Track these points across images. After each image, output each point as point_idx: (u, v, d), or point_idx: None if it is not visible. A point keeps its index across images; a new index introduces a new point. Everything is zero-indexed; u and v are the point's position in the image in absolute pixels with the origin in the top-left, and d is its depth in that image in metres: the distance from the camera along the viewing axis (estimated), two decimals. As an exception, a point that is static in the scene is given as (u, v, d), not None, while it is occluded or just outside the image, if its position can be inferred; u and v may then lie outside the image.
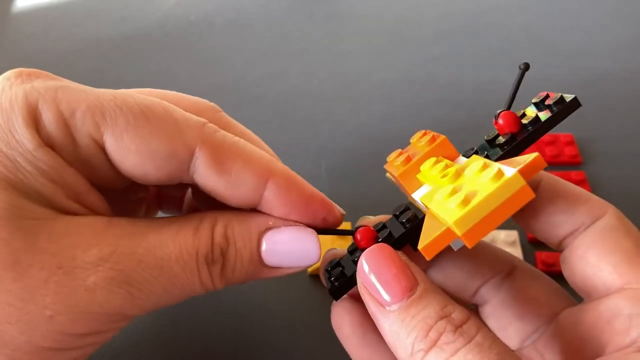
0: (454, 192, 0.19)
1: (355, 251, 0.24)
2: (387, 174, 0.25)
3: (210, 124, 0.23)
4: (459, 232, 0.18)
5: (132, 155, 0.22)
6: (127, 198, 0.28)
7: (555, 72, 0.47)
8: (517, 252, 0.35)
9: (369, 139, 0.43)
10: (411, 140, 0.26)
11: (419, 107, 0.45)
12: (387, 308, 0.20)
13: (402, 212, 0.24)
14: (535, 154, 0.19)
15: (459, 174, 0.20)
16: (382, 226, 0.24)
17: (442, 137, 0.23)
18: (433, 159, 0.23)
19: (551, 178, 0.23)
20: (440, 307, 0.20)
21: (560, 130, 0.42)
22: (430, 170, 0.22)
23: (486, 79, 0.47)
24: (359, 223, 0.25)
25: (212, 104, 0.27)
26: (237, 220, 0.23)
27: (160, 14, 0.53)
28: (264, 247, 0.23)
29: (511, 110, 0.24)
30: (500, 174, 0.18)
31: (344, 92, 0.47)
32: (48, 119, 0.21)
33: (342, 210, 0.25)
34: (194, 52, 0.52)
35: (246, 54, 0.49)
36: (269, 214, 0.24)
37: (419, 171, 0.23)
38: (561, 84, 0.46)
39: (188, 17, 0.53)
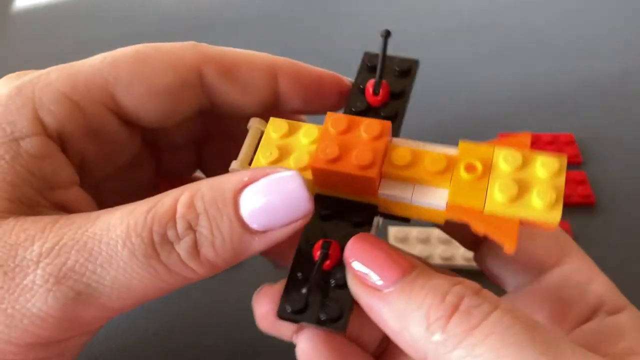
0: (521, 189, 0.20)
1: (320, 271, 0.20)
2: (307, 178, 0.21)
3: (202, 45, 0.24)
4: (555, 221, 0.20)
5: (147, 100, 0.22)
6: (126, 181, 0.27)
7: (555, 72, 0.47)
8: (517, 252, 0.35)
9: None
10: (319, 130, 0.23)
11: (418, 107, 0.45)
12: (385, 290, 0.18)
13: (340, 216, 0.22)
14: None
15: (485, 170, 0.21)
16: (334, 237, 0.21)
17: (388, 123, 0.22)
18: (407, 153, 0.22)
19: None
20: (448, 277, 0.18)
21: (560, 130, 0.42)
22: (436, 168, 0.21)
23: (486, 79, 0.47)
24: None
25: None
26: (207, 186, 0.19)
27: (160, 14, 0.53)
28: (244, 207, 0.19)
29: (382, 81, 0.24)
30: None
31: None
32: (49, 101, 0.21)
33: (349, 81, 0.25)
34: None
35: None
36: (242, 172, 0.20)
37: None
38: (561, 84, 0.46)
39: (188, 17, 0.53)
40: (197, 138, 0.28)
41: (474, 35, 0.51)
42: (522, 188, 0.20)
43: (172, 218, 0.18)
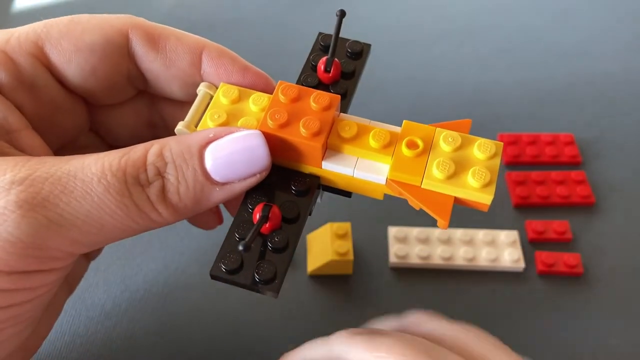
0: (458, 168, 0.21)
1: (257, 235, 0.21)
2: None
3: (137, 17, 0.25)
4: (487, 201, 0.21)
5: (74, 55, 0.23)
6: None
7: (555, 72, 0.47)
8: (517, 252, 0.35)
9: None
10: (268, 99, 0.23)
11: (419, 107, 0.45)
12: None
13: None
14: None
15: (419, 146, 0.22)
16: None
17: (337, 96, 0.23)
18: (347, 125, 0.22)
19: None
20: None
21: (560, 130, 0.42)
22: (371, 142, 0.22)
23: (486, 79, 0.47)
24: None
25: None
26: (175, 140, 0.21)
27: (160, 14, 0.53)
28: (208, 161, 0.21)
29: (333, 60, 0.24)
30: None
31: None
32: None
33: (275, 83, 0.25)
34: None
35: (246, 54, 0.49)
36: (208, 129, 0.22)
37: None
38: (561, 84, 0.46)
39: (188, 17, 0.53)
40: (145, 121, 0.28)
41: (473, 36, 0.51)
42: (459, 167, 0.21)
43: (144, 164, 0.20)
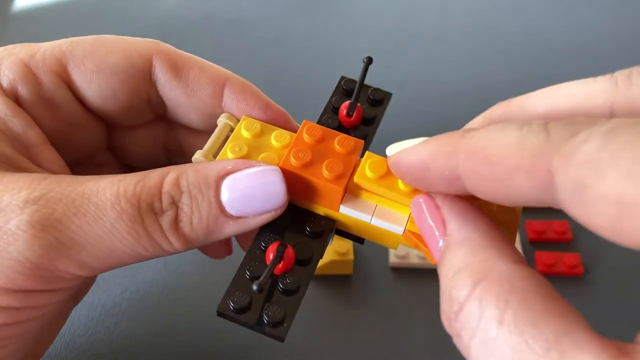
0: None
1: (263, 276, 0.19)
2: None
3: (162, 42, 0.25)
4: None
5: (96, 76, 0.23)
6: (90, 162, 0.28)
7: (555, 72, 0.47)
8: (517, 252, 0.35)
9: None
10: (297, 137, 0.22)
11: (419, 107, 0.45)
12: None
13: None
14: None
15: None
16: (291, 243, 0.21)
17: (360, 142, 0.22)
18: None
19: None
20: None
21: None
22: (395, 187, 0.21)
23: (486, 79, 0.47)
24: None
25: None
26: (193, 169, 0.21)
27: (160, 14, 0.53)
28: (224, 193, 0.20)
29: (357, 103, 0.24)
30: None
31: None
32: (7, 67, 0.22)
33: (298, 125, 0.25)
34: (193, 52, 0.52)
35: (246, 54, 0.49)
36: (226, 160, 0.22)
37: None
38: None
39: (188, 17, 0.53)
40: (161, 145, 0.28)
41: (474, 36, 0.51)
42: None
43: (159, 192, 0.20)
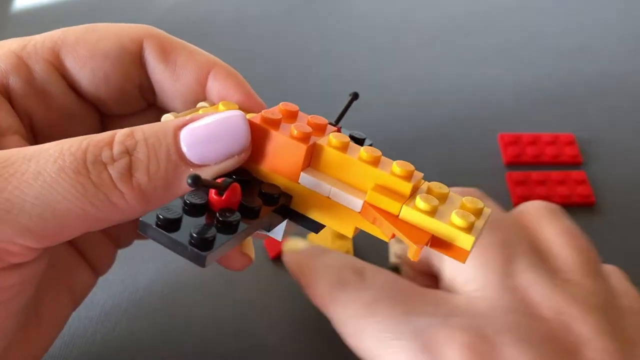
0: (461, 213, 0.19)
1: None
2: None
3: (154, 27, 0.25)
4: (467, 246, 0.19)
5: (89, 61, 0.23)
6: None
7: (555, 72, 0.47)
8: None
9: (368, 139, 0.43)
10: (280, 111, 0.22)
11: (419, 107, 0.45)
12: None
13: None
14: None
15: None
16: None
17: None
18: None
19: None
20: None
21: (560, 130, 0.42)
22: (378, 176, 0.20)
23: (486, 79, 0.47)
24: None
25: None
26: (148, 125, 0.19)
27: (159, 13, 0.53)
28: (183, 141, 0.19)
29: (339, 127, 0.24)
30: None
31: (344, 92, 0.46)
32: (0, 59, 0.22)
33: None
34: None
35: (246, 54, 0.49)
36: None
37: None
38: (561, 84, 0.46)
39: (188, 17, 0.53)
40: None
41: (474, 35, 0.51)
42: (445, 207, 0.20)
43: (109, 143, 0.18)
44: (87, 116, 0.25)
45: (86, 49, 0.23)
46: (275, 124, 0.20)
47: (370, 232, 0.21)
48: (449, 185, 0.21)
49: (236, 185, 0.18)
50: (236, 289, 0.33)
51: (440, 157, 0.41)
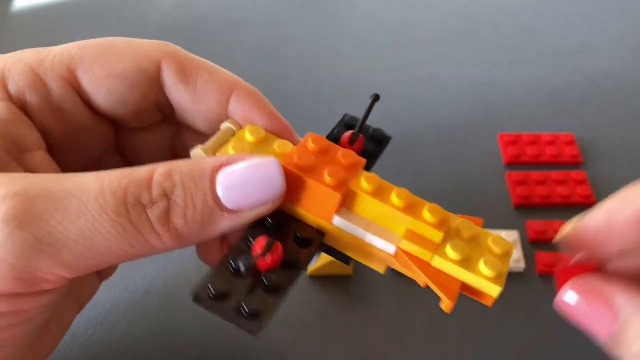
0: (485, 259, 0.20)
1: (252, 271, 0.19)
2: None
3: (172, 45, 0.24)
4: (495, 295, 0.20)
5: (105, 81, 0.23)
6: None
7: (555, 72, 0.47)
8: (517, 252, 0.35)
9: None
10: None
11: (419, 107, 0.45)
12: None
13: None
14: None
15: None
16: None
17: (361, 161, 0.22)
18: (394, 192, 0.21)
19: None
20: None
21: (560, 130, 0.42)
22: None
23: (486, 79, 0.47)
24: None
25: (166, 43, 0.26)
26: (185, 163, 0.20)
27: (159, 14, 0.53)
28: (219, 185, 0.19)
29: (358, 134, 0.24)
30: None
31: (344, 92, 0.46)
32: (16, 73, 0.22)
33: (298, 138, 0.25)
34: (193, 52, 0.52)
35: (246, 54, 0.49)
36: (222, 156, 0.21)
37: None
38: (562, 84, 0.46)
39: (187, 17, 0.53)
40: (168, 147, 0.28)
41: (474, 36, 0.51)
42: (473, 253, 0.20)
43: (149, 184, 0.19)
44: (101, 130, 0.25)
45: (103, 68, 0.23)
46: (310, 170, 0.21)
47: (403, 273, 0.22)
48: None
49: (278, 245, 0.19)
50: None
51: (440, 157, 0.41)
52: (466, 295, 0.21)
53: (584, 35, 0.50)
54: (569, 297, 0.19)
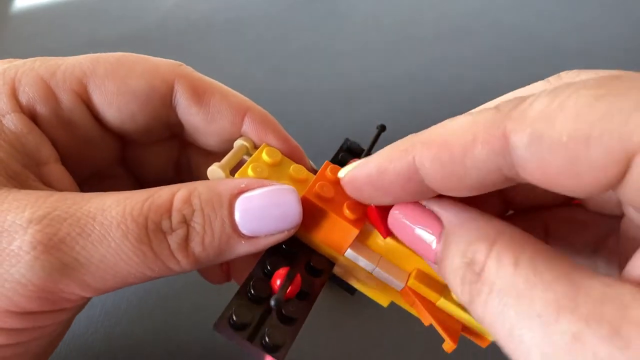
0: None
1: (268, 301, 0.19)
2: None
3: (185, 65, 0.24)
4: (491, 338, 0.21)
5: (116, 98, 0.23)
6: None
7: (555, 72, 0.47)
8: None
9: (367, 139, 0.43)
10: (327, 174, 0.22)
11: (419, 107, 0.45)
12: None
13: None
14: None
15: None
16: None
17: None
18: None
19: None
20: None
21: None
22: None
23: (486, 79, 0.47)
24: None
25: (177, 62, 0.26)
26: (204, 186, 0.20)
27: (159, 13, 0.53)
28: (237, 212, 0.20)
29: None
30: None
31: (344, 92, 0.46)
32: (27, 83, 0.22)
33: (313, 165, 0.25)
34: (193, 52, 0.52)
35: (245, 54, 0.49)
36: (240, 179, 0.21)
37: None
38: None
39: (187, 17, 0.53)
40: (173, 161, 0.28)
41: (473, 36, 0.51)
42: None
43: (168, 210, 0.19)
44: (109, 143, 0.25)
45: (115, 84, 0.23)
46: (329, 201, 0.21)
47: (406, 309, 0.22)
48: None
49: (298, 276, 0.20)
50: (237, 290, 0.33)
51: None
52: (466, 335, 0.21)
53: (583, 36, 0.50)
54: (396, 217, 0.19)
